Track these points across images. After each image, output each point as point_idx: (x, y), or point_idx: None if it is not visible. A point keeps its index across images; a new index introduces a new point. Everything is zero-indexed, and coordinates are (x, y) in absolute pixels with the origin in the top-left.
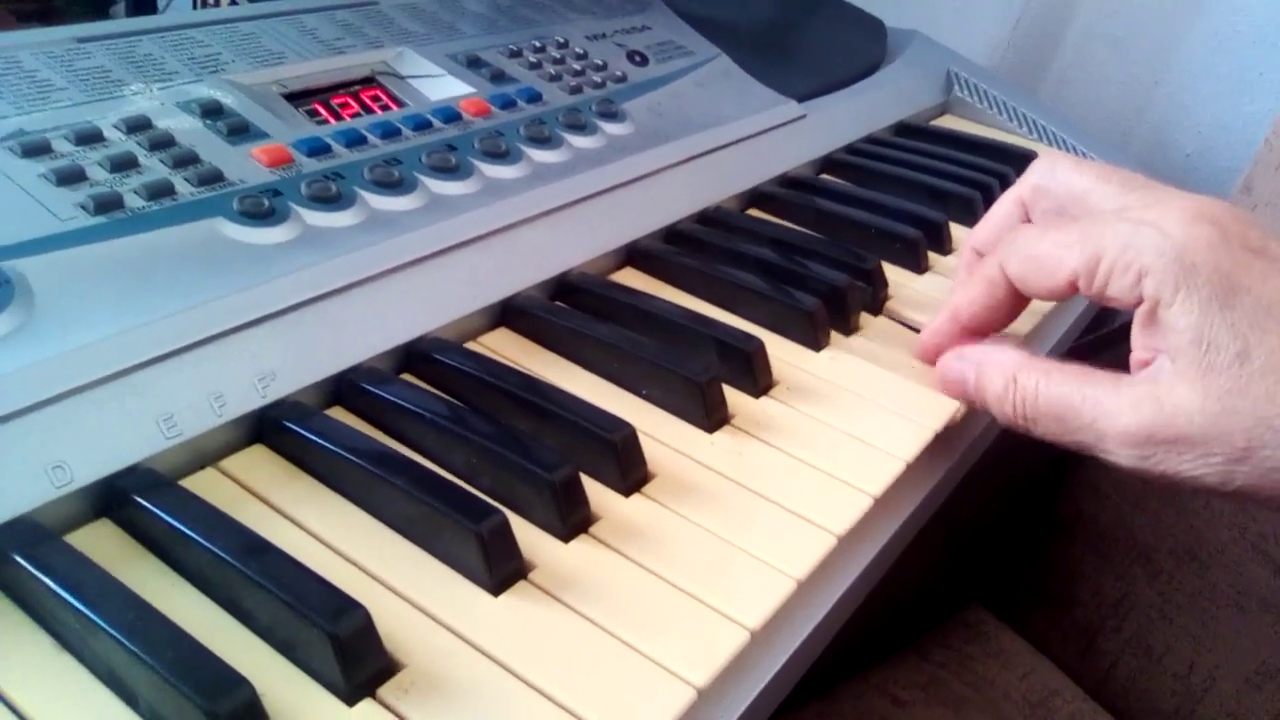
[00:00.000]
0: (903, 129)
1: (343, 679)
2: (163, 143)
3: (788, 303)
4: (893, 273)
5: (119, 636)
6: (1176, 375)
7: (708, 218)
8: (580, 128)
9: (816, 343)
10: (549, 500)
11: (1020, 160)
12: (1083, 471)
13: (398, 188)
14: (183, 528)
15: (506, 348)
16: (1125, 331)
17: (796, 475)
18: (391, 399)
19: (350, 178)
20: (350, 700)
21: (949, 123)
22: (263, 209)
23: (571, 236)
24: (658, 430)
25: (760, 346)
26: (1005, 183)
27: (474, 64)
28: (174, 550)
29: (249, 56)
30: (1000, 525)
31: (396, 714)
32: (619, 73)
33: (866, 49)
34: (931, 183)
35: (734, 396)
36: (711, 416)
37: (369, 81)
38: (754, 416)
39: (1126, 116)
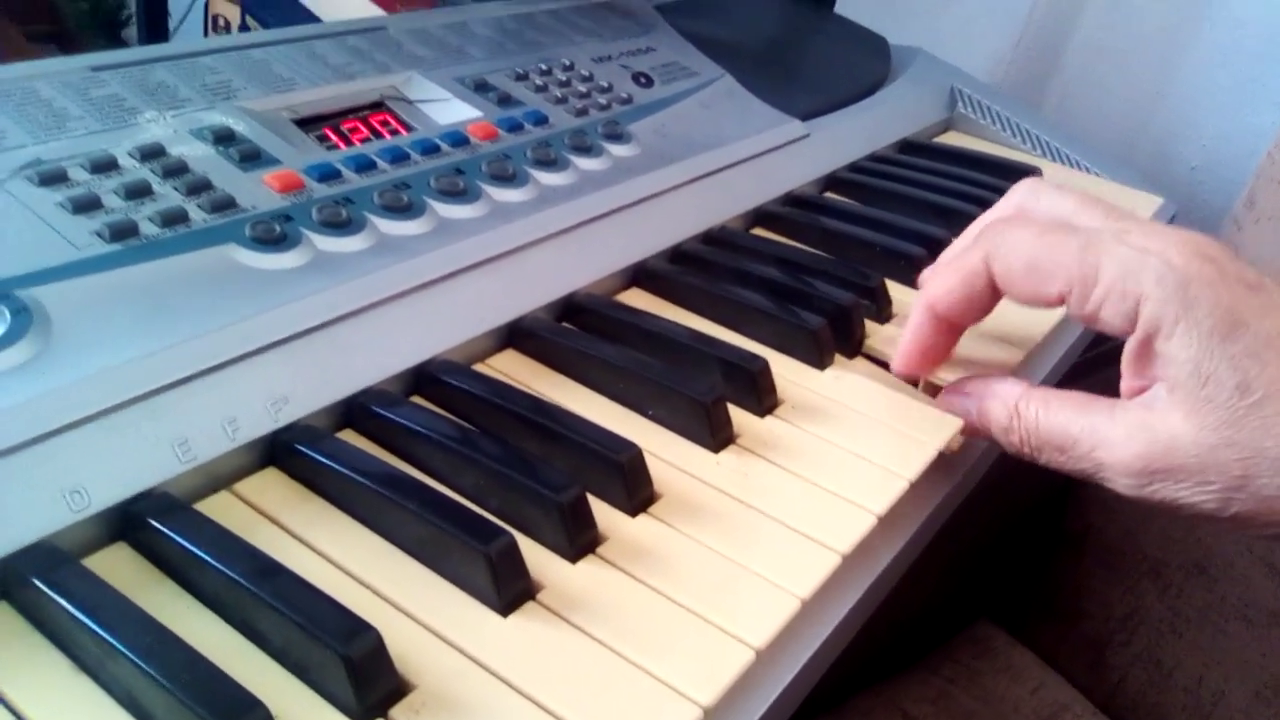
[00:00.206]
0: (907, 146)
1: (355, 700)
2: (176, 170)
3: (792, 322)
4: (897, 291)
5: (136, 659)
6: (1172, 405)
7: (713, 237)
8: (586, 150)
9: (821, 361)
10: (557, 521)
11: (1024, 176)
12: (1090, 486)
13: (407, 212)
14: (197, 551)
15: (514, 369)
16: (1113, 356)
17: (801, 494)
18: (401, 421)
19: (360, 203)
20: None
21: (953, 139)
22: (274, 235)
23: (578, 258)
24: (664, 450)
25: (765, 366)
26: None
27: (481, 88)
28: (189, 573)
29: (260, 83)
30: (1008, 540)
31: None
32: (624, 94)
33: (870, 67)
34: (936, 200)
35: (739, 416)
36: (717, 436)
37: (378, 106)
38: (759, 436)
39: (1130, 130)
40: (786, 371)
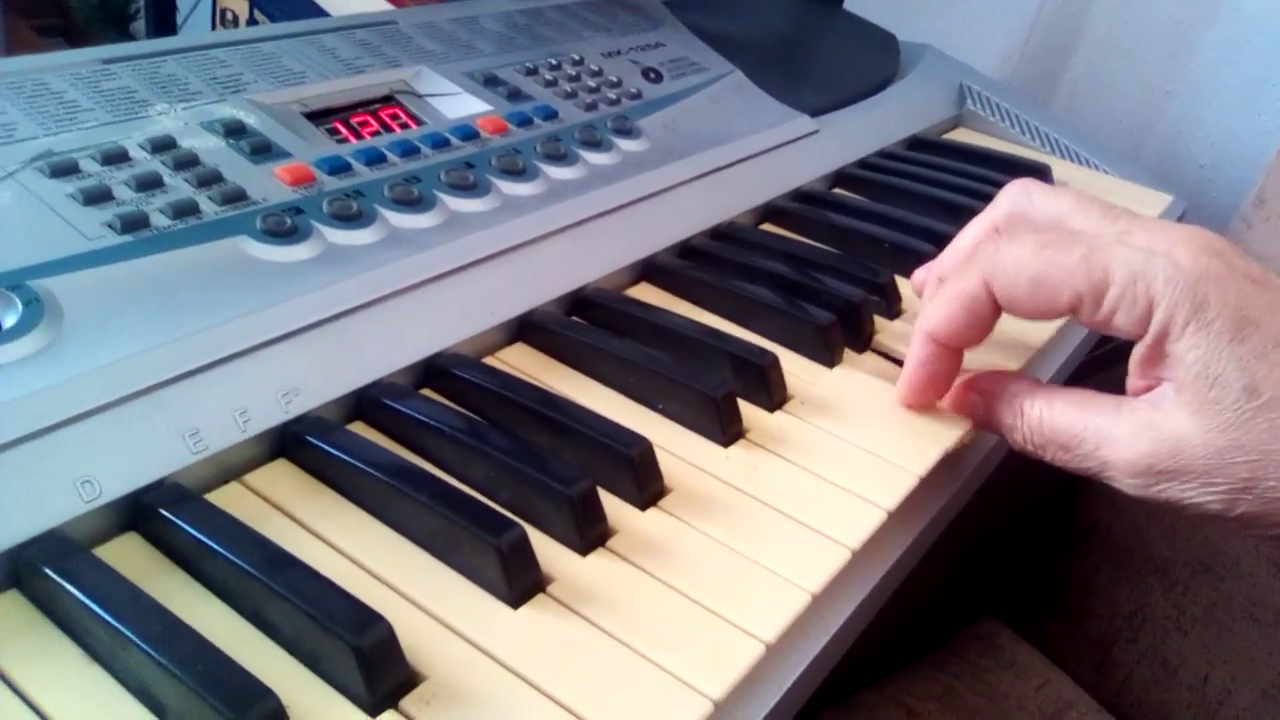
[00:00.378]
0: (915, 143)
1: (366, 690)
2: (187, 162)
3: (801, 317)
4: (907, 287)
5: (147, 648)
6: (1179, 405)
7: (722, 233)
8: (596, 144)
9: (831, 358)
10: (567, 514)
11: (1032, 173)
12: (1097, 483)
13: (417, 205)
14: (208, 541)
15: (524, 363)
16: (1122, 352)
17: (811, 489)
18: (411, 414)
19: (370, 196)
20: (373, 711)
21: (961, 136)
22: (285, 227)
23: (587, 252)
24: (674, 444)
25: (774, 361)
26: None
27: (491, 82)
28: (200, 564)
29: (270, 76)
30: (1014, 537)
31: None
32: (634, 89)
33: (879, 63)
34: (944, 196)
35: (749, 411)
36: (727, 431)
37: (388, 100)
38: (768, 431)
39: (1139, 128)
40: (796, 367)
